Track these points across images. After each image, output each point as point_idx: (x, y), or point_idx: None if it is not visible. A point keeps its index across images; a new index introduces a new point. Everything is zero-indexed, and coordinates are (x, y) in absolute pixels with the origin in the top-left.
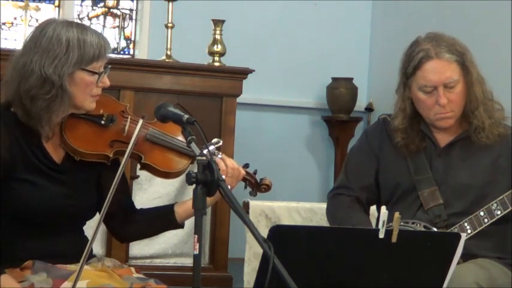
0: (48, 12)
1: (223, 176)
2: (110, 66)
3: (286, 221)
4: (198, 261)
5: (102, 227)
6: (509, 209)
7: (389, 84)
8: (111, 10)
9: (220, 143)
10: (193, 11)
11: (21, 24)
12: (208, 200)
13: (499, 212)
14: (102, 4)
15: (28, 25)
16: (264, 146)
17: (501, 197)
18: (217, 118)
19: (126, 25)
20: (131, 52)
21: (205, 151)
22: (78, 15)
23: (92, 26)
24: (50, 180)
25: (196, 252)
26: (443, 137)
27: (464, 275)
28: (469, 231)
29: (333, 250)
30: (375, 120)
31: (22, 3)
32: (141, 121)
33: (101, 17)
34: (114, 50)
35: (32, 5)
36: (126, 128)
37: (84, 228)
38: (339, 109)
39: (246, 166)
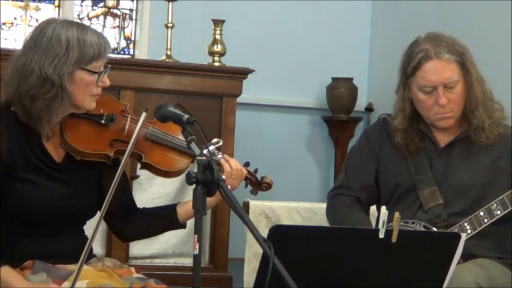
0: (48, 12)
1: (228, 178)
2: (110, 65)
3: (286, 221)
4: (198, 261)
5: (102, 226)
6: (509, 209)
7: (389, 84)
8: (111, 10)
9: (220, 143)
10: (193, 11)
11: (21, 24)
12: (209, 201)
13: (498, 212)
14: (102, 4)
15: (28, 25)
16: (264, 146)
17: (501, 197)
18: (217, 118)
19: (126, 25)
20: (131, 52)
21: (205, 151)
22: (78, 15)
23: (92, 26)
24: (50, 180)
25: (196, 252)
26: (443, 137)
27: (464, 275)
28: (469, 231)
29: (333, 250)
30: (375, 120)
31: (22, 3)
32: (144, 114)
33: (101, 17)
34: (114, 50)
35: (32, 5)
36: (127, 127)
37: (85, 228)
38: (339, 109)
39: (246, 165)
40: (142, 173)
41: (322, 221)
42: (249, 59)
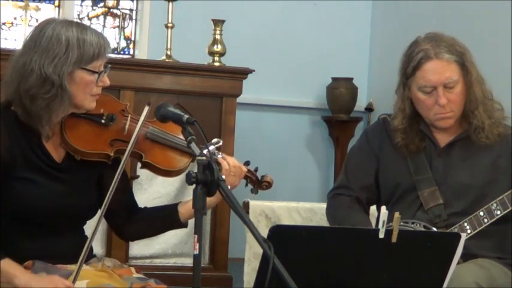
0: (48, 12)
1: (227, 175)
2: (109, 65)
3: (286, 221)
4: (198, 261)
5: (102, 226)
6: (509, 209)
7: (389, 84)
8: (111, 10)
9: (220, 143)
10: (193, 11)
11: (21, 24)
12: (210, 201)
13: (498, 212)
14: (102, 4)
15: (28, 25)
16: (264, 146)
17: (501, 197)
18: (217, 118)
19: (126, 25)
20: (131, 52)
21: (205, 151)
22: (78, 15)
23: (92, 26)
24: (50, 179)
25: (196, 252)
26: (443, 137)
27: (464, 275)
28: (468, 231)
29: (333, 250)
30: (374, 120)
31: (22, 3)
32: (146, 108)
33: (101, 17)
34: (114, 50)
35: (32, 5)
36: (127, 126)
37: (85, 227)
38: (339, 109)
39: (247, 164)
40: (142, 173)
41: (322, 221)
42: (249, 59)
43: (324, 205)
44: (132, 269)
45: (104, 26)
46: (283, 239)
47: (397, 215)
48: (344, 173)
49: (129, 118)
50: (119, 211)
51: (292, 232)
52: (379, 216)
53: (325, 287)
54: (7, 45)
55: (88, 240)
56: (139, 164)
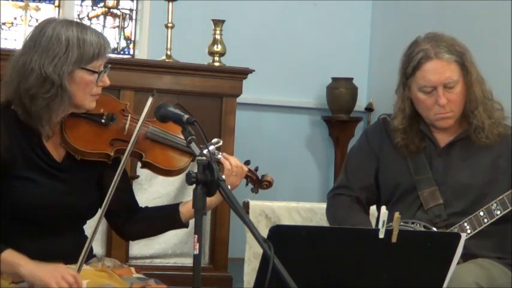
0: (48, 12)
1: (229, 175)
2: (109, 65)
3: (286, 221)
4: (198, 261)
5: (102, 226)
6: (509, 209)
7: (389, 84)
8: (111, 10)
9: (220, 143)
10: (193, 11)
11: (21, 24)
12: (211, 201)
13: (498, 212)
14: (102, 4)
15: (28, 25)
16: (264, 146)
17: (501, 197)
18: (217, 118)
19: (126, 25)
20: (131, 52)
21: (205, 151)
22: (78, 15)
23: (92, 26)
24: (51, 178)
25: (196, 252)
26: (443, 137)
27: (464, 275)
28: (468, 231)
29: (333, 250)
30: (374, 120)
31: (22, 3)
32: (150, 99)
33: (101, 17)
34: (114, 50)
35: (32, 5)
36: (127, 126)
37: (85, 227)
38: (339, 109)
39: (247, 163)
40: (142, 173)
41: (322, 221)
42: (249, 59)
43: (324, 205)
44: (132, 269)
45: (104, 26)
46: (283, 239)
47: (397, 215)
48: (344, 173)
49: (129, 118)
50: (119, 211)
51: (292, 232)
52: (379, 216)
53: (325, 287)
54: (7, 45)
55: (88, 240)
56: (139, 164)
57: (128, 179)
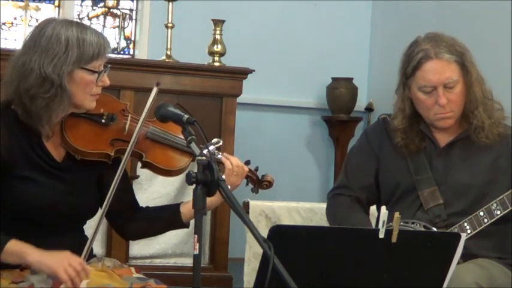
0: (48, 12)
1: (230, 175)
2: (109, 65)
3: (286, 221)
4: (198, 261)
5: (102, 226)
6: (509, 209)
7: (389, 84)
8: (111, 10)
9: (220, 143)
10: (193, 11)
11: (21, 24)
12: (211, 201)
13: (498, 212)
14: (102, 4)
15: (28, 25)
16: (264, 146)
17: (501, 197)
18: (217, 118)
19: (126, 25)
20: (131, 52)
21: (205, 151)
22: (78, 15)
23: (92, 26)
24: (51, 178)
25: (196, 252)
26: (443, 137)
27: (464, 275)
28: (468, 231)
29: (333, 250)
30: (374, 120)
31: (22, 3)
32: (155, 89)
33: (101, 17)
34: (114, 50)
35: (32, 5)
36: (127, 126)
37: (85, 227)
38: (339, 109)
39: (247, 163)
40: (142, 173)
41: (322, 221)
42: (249, 59)
43: (324, 205)
44: (132, 269)
45: (104, 26)
46: (283, 239)
47: (397, 215)
48: (344, 173)
49: (129, 118)
50: (120, 211)
51: (292, 232)
52: (379, 216)
53: (325, 287)
54: (7, 45)
55: (89, 240)
56: (139, 164)
57: (128, 179)
